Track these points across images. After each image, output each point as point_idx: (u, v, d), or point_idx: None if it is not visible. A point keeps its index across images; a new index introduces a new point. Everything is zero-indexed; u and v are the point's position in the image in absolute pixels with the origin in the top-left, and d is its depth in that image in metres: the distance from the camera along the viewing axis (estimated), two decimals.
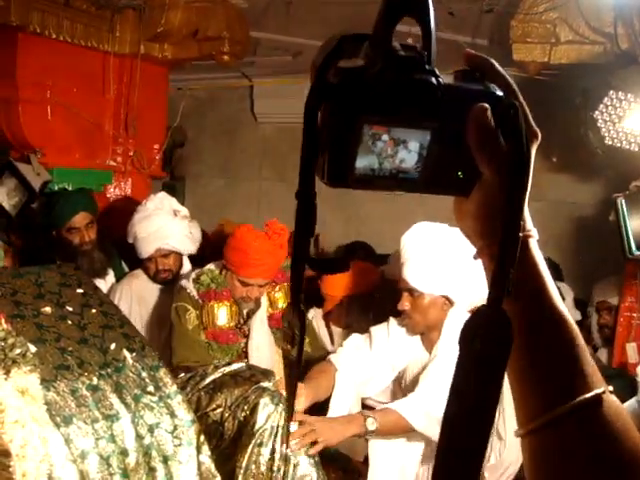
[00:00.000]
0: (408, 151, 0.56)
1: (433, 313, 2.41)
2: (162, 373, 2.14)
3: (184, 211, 3.31)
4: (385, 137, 0.55)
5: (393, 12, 0.55)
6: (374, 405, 2.59)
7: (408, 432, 2.32)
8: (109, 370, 2.03)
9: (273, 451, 2.17)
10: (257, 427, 2.18)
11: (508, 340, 0.55)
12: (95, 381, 1.96)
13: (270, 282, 2.83)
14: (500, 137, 0.57)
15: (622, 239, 3.26)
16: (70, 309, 2.17)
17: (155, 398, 2.05)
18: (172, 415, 2.05)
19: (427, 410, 2.23)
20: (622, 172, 3.71)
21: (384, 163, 0.56)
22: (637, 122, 3.42)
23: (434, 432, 2.18)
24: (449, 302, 2.40)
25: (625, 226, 3.23)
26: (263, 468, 2.16)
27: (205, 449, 2.08)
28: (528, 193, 0.56)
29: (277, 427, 2.19)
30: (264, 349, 2.82)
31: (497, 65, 0.61)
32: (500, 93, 0.59)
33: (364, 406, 2.57)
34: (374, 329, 2.59)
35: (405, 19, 0.56)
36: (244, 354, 2.83)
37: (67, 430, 1.79)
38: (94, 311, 2.22)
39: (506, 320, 0.55)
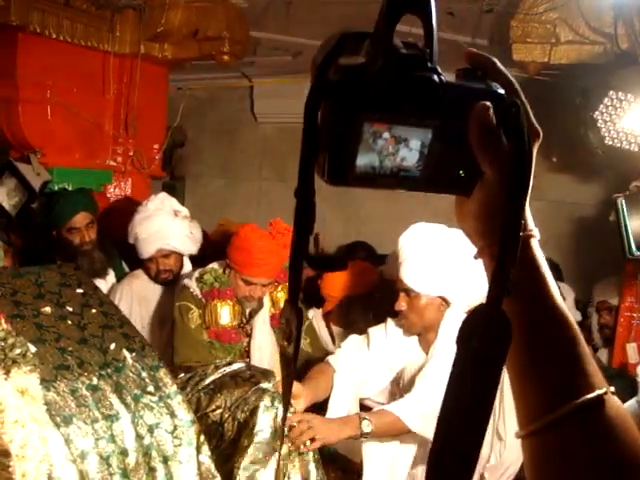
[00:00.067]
0: (409, 149, 0.56)
1: (430, 314, 2.41)
2: (162, 373, 2.14)
3: (185, 211, 3.31)
4: (386, 135, 0.54)
5: (395, 9, 0.54)
6: (372, 405, 2.59)
7: (404, 434, 2.32)
8: (109, 370, 2.03)
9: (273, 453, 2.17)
10: (257, 429, 2.18)
11: (506, 339, 0.54)
12: (95, 381, 1.96)
13: (273, 282, 2.83)
14: (502, 136, 0.57)
15: (622, 239, 3.26)
16: (70, 309, 2.17)
17: (155, 398, 2.05)
18: (172, 415, 2.05)
19: (423, 411, 2.23)
20: (622, 172, 3.71)
21: (385, 161, 0.55)
22: (637, 122, 3.42)
23: (430, 433, 2.17)
24: (446, 303, 2.41)
25: (625, 226, 3.23)
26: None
27: (205, 449, 2.08)
28: (529, 193, 0.56)
29: (277, 430, 2.19)
30: (266, 349, 2.83)
31: (499, 64, 0.60)
32: (502, 92, 0.58)
33: (362, 406, 2.57)
34: (372, 330, 2.59)
35: (406, 19, 0.56)
36: (246, 353, 2.83)
37: (67, 430, 1.79)
38: (94, 311, 2.22)
39: (505, 319, 0.54)
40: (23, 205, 3.57)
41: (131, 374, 2.06)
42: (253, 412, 2.21)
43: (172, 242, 3.18)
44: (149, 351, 2.18)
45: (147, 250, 3.18)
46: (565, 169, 4.52)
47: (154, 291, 3.27)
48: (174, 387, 2.13)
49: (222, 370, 2.44)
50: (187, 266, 3.32)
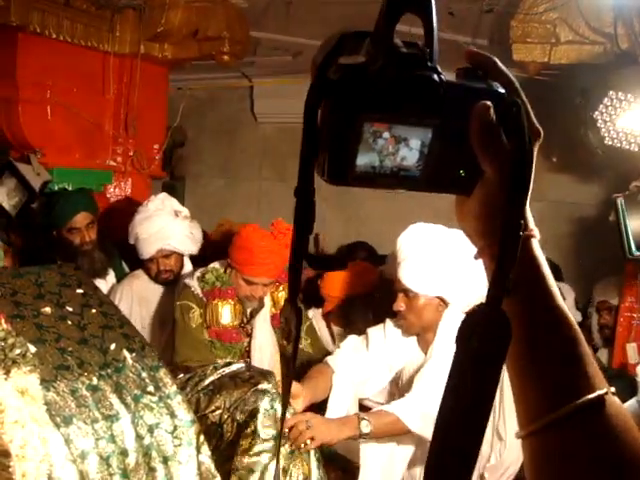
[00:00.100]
0: (409, 149, 0.55)
1: (428, 314, 2.41)
2: (162, 373, 2.14)
3: (185, 212, 3.31)
4: (386, 135, 0.54)
5: (395, 8, 0.54)
6: (371, 405, 2.59)
7: (403, 434, 2.32)
8: (109, 370, 2.02)
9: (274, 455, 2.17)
10: (257, 432, 2.18)
11: (506, 339, 0.54)
12: (95, 381, 1.96)
13: (274, 282, 2.83)
14: (502, 135, 0.57)
15: (622, 239, 3.25)
16: (70, 309, 2.17)
17: (155, 398, 2.05)
18: (172, 415, 2.05)
19: (423, 411, 2.23)
20: (622, 172, 3.71)
21: (385, 161, 0.55)
22: (637, 122, 3.42)
23: (430, 433, 2.17)
24: (444, 303, 2.41)
25: (625, 226, 3.23)
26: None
27: (205, 449, 2.08)
28: (529, 192, 0.56)
29: (277, 432, 2.20)
30: (266, 349, 2.83)
31: (499, 63, 0.60)
32: (502, 91, 0.58)
33: (361, 407, 2.57)
34: (371, 330, 2.60)
35: (405, 18, 0.56)
36: (247, 353, 2.83)
37: (67, 430, 1.79)
38: (94, 311, 2.21)
39: (504, 319, 0.54)
40: (23, 205, 3.57)
41: (131, 374, 2.06)
42: (253, 414, 2.21)
43: (173, 242, 3.18)
44: (149, 351, 2.18)
45: (148, 250, 3.18)
46: (565, 169, 4.52)
47: (154, 291, 3.27)
48: (174, 387, 2.13)
49: (221, 371, 2.44)
50: (188, 266, 3.33)
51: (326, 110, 0.53)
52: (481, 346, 0.54)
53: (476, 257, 0.63)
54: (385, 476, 2.43)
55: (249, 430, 2.19)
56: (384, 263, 3.43)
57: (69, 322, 2.11)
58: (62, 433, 1.77)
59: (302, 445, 2.16)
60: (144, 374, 2.08)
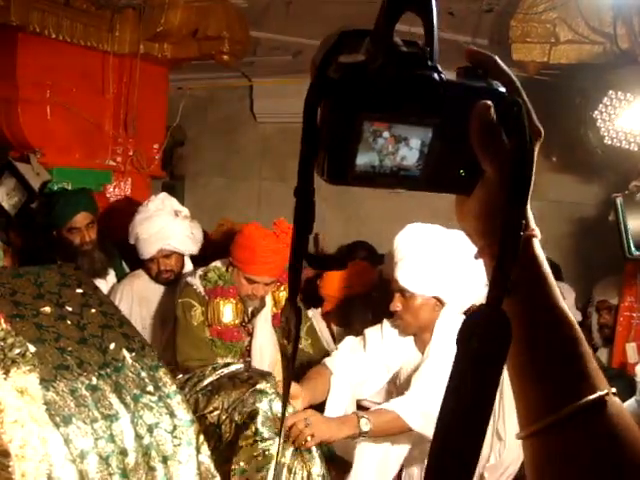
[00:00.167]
0: (409, 148, 0.55)
1: (424, 314, 2.41)
2: (161, 373, 2.14)
3: (185, 211, 3.32)
4: (386, 134, 0.54)
5: (395, 7, 0.54)
6: (370, 406, 2.59)
7: (402, 432, 2.32)
8: (108, 370, 2.02)
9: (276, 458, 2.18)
10: (259, 432, 2.19)
11: (506, 339, 0.54)
12: (94, 381, 1.96)
13: (275, 281, 2.83)
14: (503, 135, 0.57)
15: (621, 239, 3.25)
16: (69, 309, 2.17)
17: (154, 398, 2.05)
18: (171, 415, 2.05)
19: (422, 409, 2.23)
20: (622, 172, 3.71)
21: (385, 160, 0.55)
22: (637, 122, 3.42)
23: (431, 432, 2.17)
24: (440, 303, 2.41)
25: (624, 226, 3.23)
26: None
27: (204, 449, 2.08)
28: (530, 192, 0.56)
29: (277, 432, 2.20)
30: (267, 348, 2.83)
31: (500, 62, 0.60)
32: (503, 90, 0.58)
33: (360, 407, 2.57)
34: (368, 331, 2.60)
35: (405, 18, 0.55)
36: (247, 352, 2.84)
37: (66, 430, 1.79)
38: (93, 311, 2.21)
39: (505, 320, 0.54)
40: (23, 205, 3.57)
41: (130, 374, 2.06)
42: (252, 416, 2.21)
43: (173, 242, 3.18)
44: (148, 351, 2.18)
45: (148, 250, 3.18)
46: (565, 169, 4.52)
47: (155, 291, 3.28)
48: (173, 387, 2.12)
49: (220, 372, 2.44)
50: (188, 266, 3.33)
51: (326, 109, 0.53)
52: (481, 347, 0.54)
53: (476, 257, 0.63)
54: (378, 475, 2.44)
55: (249, 432, 2.19)
56: (384, 263, 3.44)
57: (69, 322, 2.11)
58: (61, 433, 1.77)
59: (303, 443, 2.16)
60: (143, 374, 2.08)
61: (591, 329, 3.83)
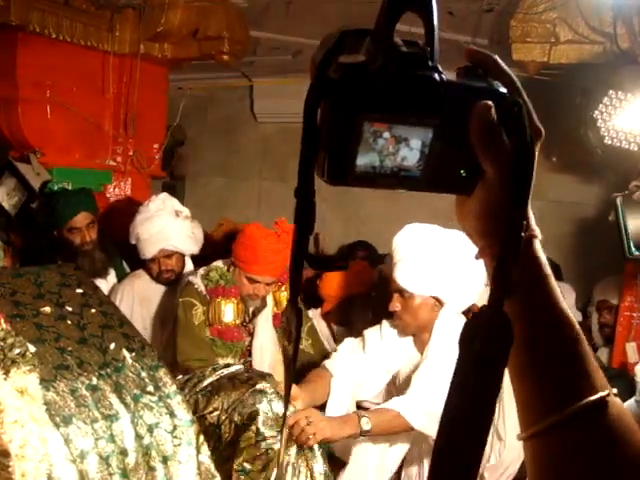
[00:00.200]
0: (410, 149, 0.55)
1: (423, 314, 2.41)
2: (162, 373, 2.14)
3: (186, 212, 3.32)
4: (386, 135, 0.54)
5: (396, 7, 0.54)
6: (369, 406, 2.59)
7: (403, 431, 2.32)
8: (108, 370, 2.02)
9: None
10: (261, 432, 2.19)
11: (508, 341, 0.54)
12: (94, 381, 1.96)
13: (276, 281, 2.84)
14: (504, 135, 0.56)
15: (621, 239, 3.25)
16: (69, 309, 2.17)
17: (154, 398, 2.05)
18: (172, 415, 2.05)
19: (425, 409, 2.23)
20: (622, 172, 3.71)
21: (385, 161, 0.55)
22: (637, 121, 3.42)
23: (433, 431, 2.18)
24: (439, 303, 2.41)
25: (624, 226, 3.23)
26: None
27: (205, 449, 2.08)
28: (531, 192, 0.56)
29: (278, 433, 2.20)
30: (267, 348, 2.83)
31: (500, 62, 0.60)
32: (504, 90, 0.57)
33: (359, 408, 2.57)
34: (367, 332, 2.60)
35: (406, 18, 0.55)
36: (248, 352, 2.84)
37: (66, 430, 1.79)
38: (93, 311, 2.21)
39: (507, 321, 0.54)
40: (23, 205, 3.57)
41: (130, 374, 2.06)
42: (252, 417, 2.21)
43: (174, 242, 3.19)
44: (148, 351, 2.18)
45: (149, 250, 3.18)
46: (565, 169, 4.52)
47: (156, 291, 3.28)
48: (174, 387, 2.12)
49: (220, 372, 2.44)
50: (189, 266, 3.33)
51: (326, 110, 0.53)
52: (484, 348, 0.54)
53: (477, 257, 0.63)
54: (374, 475, 2.44)
55: (250, 432, 2.19)
56: (384, 262, 3.44)
57: (69, 322, 2.11)
58: (62, 433, 1.77)
59: (305, 441, 2.16)
60: (144, 374, 2.08)
61: (591, 329, 3.83)
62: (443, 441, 0.56)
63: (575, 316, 0.60)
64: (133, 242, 3.23)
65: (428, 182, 0.57)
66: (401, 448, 2.48)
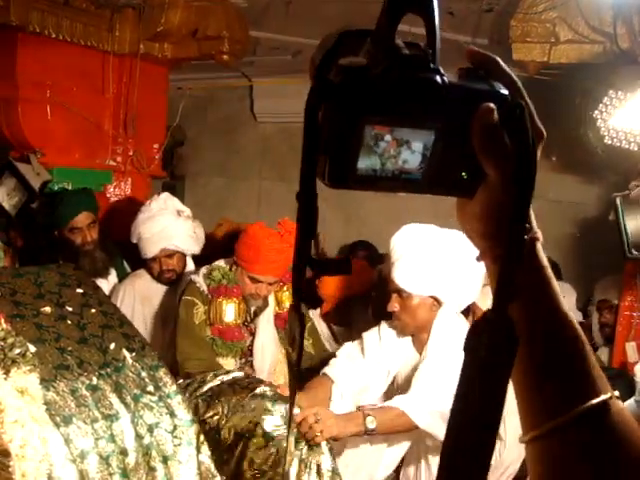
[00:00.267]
0: (411, 152, 0.55)
1: (422, 314, 2.41)
2: (162, 373, 2.14)
3: (187, 211, 3.32)
4: (388, 137, 0.53)
5: (397, 8, 0.53)
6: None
7: (407, 430, 2.32)
8: (109, 370, 2.02)
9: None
10: (267, 434, 2.19)
11: (513, 346, 0.54)
12: (95, 381, 1.96)
13: (278, 281, 2.83)
14: (505, 137, 0.56)
15: (621, 239, 3.25)
16: (70, 309, 2.17)
17: (155, 398, 2.05)
18: (172, 415, 2.05)
19: (428, 408, 2.23)
20: (622, 172, 3.71)
21: (386, 164, 0.54)
22: (637, 121, 3.42)
23: (436, 429, 2.18)
24: (438, 303, 2.41)
25: (624, 226, 3.23)
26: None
27: (205, 449, 2.08)
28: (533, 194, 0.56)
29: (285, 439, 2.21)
30: (268, 348, 2.83)
31: (502, 63, 0.59)
32: (505, 92, 0.57)
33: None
34: (366, 335, 2.59)
35: (406, 18, 0.55)
36: (249, 352, 2.83)
37: (67, 430, 1.79)
38: (94, 311, 2.21)
39: (511, 326, 0.54)
40: (23, 205, 3.57)
41: (131, 374, 2.06)
42: (256, 422, 2.21)
43: (176, 242, 3.19)
44: (149, 351, 2.18)
45: (151, 250, 3.18)
46: (565, 169, 4.52)
47: (157, 291, 3.28)
48: (174, 387, 2.12)
49: (220, 378, 2.44)
50: (190, 266, 3.33)
51: (327, 113, 0.52)
52: (489, 355, 0.54)
53: (478, 259, 0.63)
54: (375, 474, 2.44)
55: (258, 437, 2.20)
56: (383, 262, 3.43)
57: (69, 322, 2.11)
58: (62, 433, 1.77)
59: (312, 438, 2.17)
60: (144, 373, 2.08)
61: (592, 328, 3.83)
62: (451, 445, 0.55)
63: (575, 316, 0.60)
64: (134, 241, 3.23)
65: (430, 185, 0.57)
66: (400, 447, 2.48)
